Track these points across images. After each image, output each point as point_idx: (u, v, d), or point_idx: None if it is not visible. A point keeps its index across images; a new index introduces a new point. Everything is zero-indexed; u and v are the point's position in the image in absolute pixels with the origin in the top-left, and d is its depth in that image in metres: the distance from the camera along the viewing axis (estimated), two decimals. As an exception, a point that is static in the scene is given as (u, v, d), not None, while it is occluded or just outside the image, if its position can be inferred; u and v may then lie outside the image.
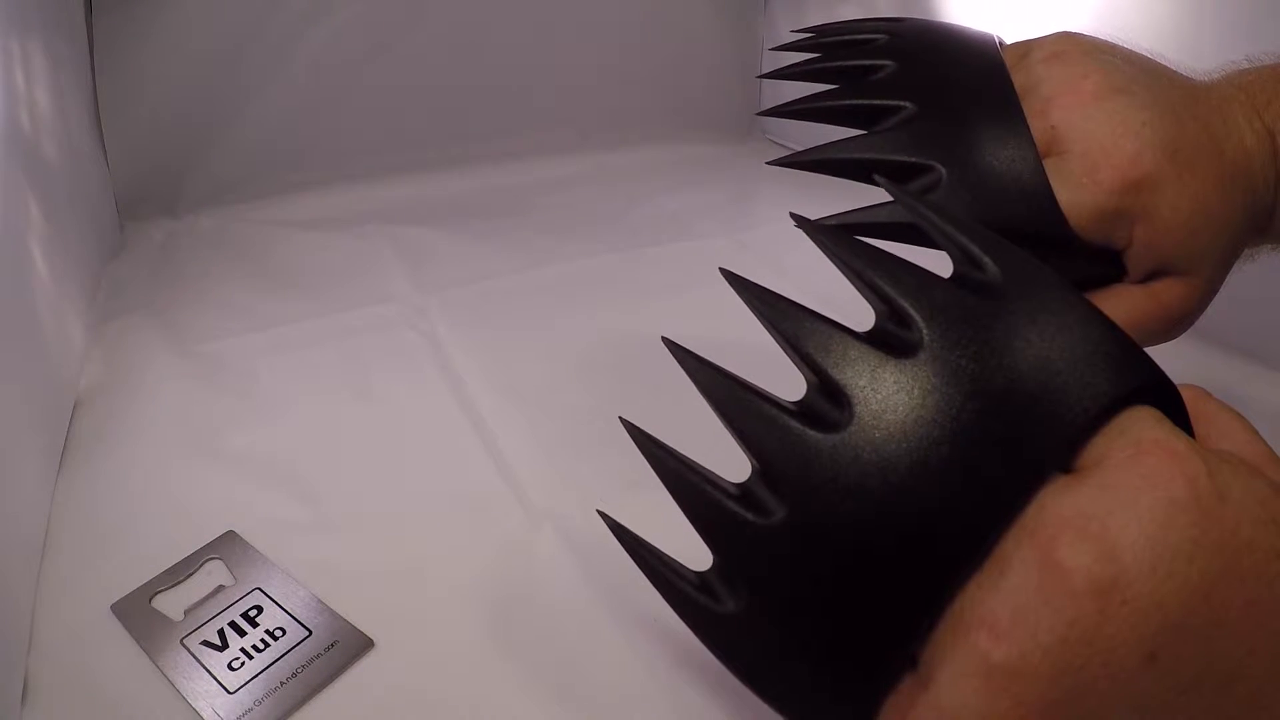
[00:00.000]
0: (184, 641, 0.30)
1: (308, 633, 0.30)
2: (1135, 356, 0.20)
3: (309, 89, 0.67)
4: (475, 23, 0.71)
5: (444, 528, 0.35)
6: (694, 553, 0.22)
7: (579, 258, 0.60)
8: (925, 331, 0.20)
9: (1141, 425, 0.19)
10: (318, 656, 0.29)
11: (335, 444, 0.41)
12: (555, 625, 0.31)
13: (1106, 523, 0.17)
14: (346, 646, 0.30)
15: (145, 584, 0.32)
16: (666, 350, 0.23)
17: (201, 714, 0.28)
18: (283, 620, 0.31)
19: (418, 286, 0.55)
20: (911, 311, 0.20)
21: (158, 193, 0.65)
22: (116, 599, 0.31)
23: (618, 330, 0.50)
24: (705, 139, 0.83)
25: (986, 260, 0.21)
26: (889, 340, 0.20)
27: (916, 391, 0.19)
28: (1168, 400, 0.20)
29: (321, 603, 0.32)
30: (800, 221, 0.23)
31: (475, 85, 0.73)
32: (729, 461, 0.22)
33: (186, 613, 0.31)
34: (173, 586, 0.32)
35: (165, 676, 0.29)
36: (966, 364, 0.19)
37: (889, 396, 0.19)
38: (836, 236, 0.22)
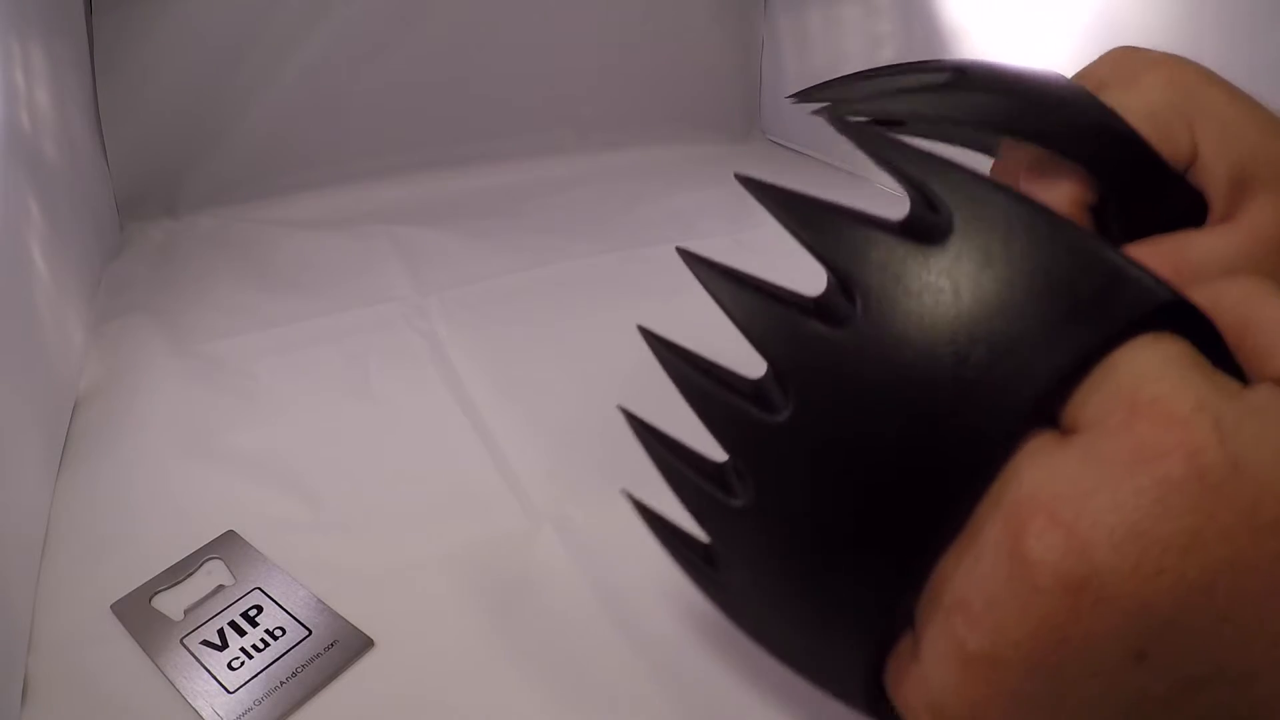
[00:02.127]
0: (184, 641, 0.30)
1: (308, 632, 0.30)
2: (1135, 282, 0.17)
3: (309, 89, 0.67)
4: (475, 23, 0.71)
5: (444, 527, 0.35)
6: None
7: (579, 258, 0.60)
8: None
9: (1141, 374, 0.17)
10: (318, 656, 0.29)
11: (335, 444, 0.41)
12: (555, 625, 0.31)
13: (1082, 509, 0.16)
14: (346, 646, 0.30)
15: (145, 584, 0.32)
16: None
17: (201, 714, 0.28)
18: (283, 620, 0.31)
19: (418, 286, 0.55)
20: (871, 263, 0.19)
21: (158, 193, 0.65)
22: (116, 599, 0.32)
23: (618, 330, 0.50)
24: (705, 139, 0.83)
25: (942, 198, 0.20)
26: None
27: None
28: (1195, 322, 0.18)
29: (321, 602, 0.32)
30: (744, 180, 0.22)
31: (475, 85, 0.73)
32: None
33: (186, 612, 0.31)
34: (173, 586, 0.32)
35: (165, 676, 0.29)
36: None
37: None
38: (778, 192, 0.21)
